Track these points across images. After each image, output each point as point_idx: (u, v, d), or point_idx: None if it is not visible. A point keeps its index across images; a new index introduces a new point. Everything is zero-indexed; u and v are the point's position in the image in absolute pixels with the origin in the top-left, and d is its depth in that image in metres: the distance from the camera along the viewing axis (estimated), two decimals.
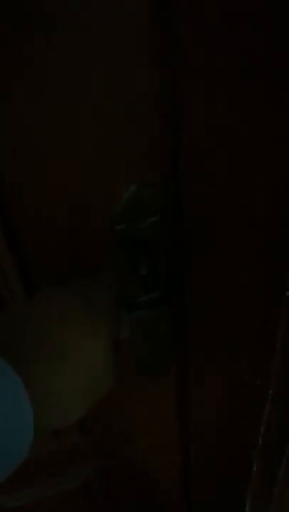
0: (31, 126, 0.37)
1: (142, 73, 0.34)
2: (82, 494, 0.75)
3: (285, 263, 0.38)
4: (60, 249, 0.45)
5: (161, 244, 0.39)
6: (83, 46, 0.34)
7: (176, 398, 0.56)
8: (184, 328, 0.48)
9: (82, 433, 0.64)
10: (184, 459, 0.65)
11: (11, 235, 0.43)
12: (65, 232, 0.44)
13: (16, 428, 0.27)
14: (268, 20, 0.29)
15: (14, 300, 0.47)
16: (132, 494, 0.77)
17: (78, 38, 0.34)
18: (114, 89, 0.35)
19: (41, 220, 0.43)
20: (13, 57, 0.35)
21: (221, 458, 0.61)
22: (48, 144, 0.38)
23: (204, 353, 0.50)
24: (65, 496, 0.73)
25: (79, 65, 0.35)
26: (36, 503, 0.71)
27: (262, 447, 0.47)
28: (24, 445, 0.28)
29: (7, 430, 0.26)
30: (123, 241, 0.38)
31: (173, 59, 0.33)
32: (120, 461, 0.70)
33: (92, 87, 0.35)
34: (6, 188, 0.41)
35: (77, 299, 0.35)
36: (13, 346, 0.30)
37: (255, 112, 0.33)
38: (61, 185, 0.40)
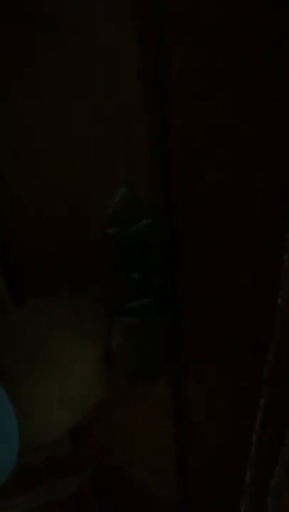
0: (31, 126, 0.37)
1: (142, 73, 0.34)
2: (75, 504, 0.74)
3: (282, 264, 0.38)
4: (60, 249, 0.45)
5: (155, 246, 0.39)
6: (83, 46, 0.34)
7: (173, 401, 0.56)
8: (180, 331, 0.48)
9: (75, 443, 0.64)
10: (181, 462, 0.65)
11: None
12: (65, 232, 0.44)
13: (1, 440, 0.27)
14: (267, 20, 0.29)
15: (1, 310, 0.46)
16: (127, 503, 0.77)
17: (78, 38, 0.34)
18: (114, 89, 0.35)
19: (41, 220, 0.43)
20: (13, 57, 0.35)
21: (220, 459, 0.61)
22: (48, 144, 0.38)
23: (199, 358, 0.50)
24: (56, 506, 0.73)
25: (79, 65, 0.35)
26: None
27: (255, 457, 0.47)
28: (9, 458, 0.28)
29: None
30: (114, 245, 0.38)
31: (173, 59, 0.33)
32: (116, 467, 0.69)
33: (92, 87, 0.35)
34: (6, 188, 0.41)
35: (65, 310, 0.35)
36: None
37: (255, 112, 0.33)
38: (61, 185, 0.40)
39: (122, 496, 0.77)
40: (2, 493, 0.65)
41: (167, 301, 0.44)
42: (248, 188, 0.37)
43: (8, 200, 0.43)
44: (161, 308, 0.42)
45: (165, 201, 0.39)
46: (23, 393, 0.29)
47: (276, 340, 0.37)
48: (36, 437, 0.30)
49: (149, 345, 0.44)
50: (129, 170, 0.38)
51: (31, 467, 0.64)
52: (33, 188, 0.41)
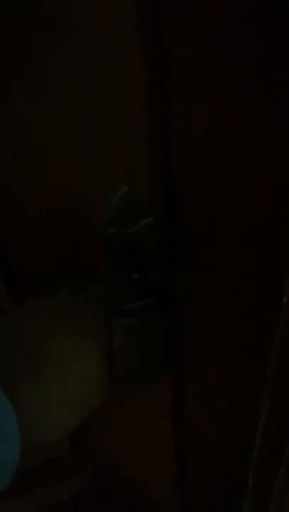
0: (31, 126, 0.37)
1: (142, 73, 0.34)
2: (75, 504, 0.74)
3: (284, 264, 0.38)
4: (60, 249, 0.45)
5: (155, 246, 0.39)
6: (83, 46, 0.34)
7: (173, 401, 0.56)
8: (180, 331, 0.48)
9: (75, 443, 0.63)
10: (181, 462, 0.65)
11: None
12: (65, 232, 0.44)
13: (1, 442, 0.27)
14: (267, 20, 0.29)
15: (1, 310, 0.46)
16: (126, 503, 0.77)
17: (78, 38, 0.34)
18: (114, 89, 0.35)
19: (41, 220, 0.43)
20: (13, 57, 0.35)
21: (219, 459, 0.61)
22: (48, 144, 0.38)
23: (199, 358, 0.50)
24: (56, 507, 0.73)
25: (79, 65, 0.35)
26: None
27: (257, 459, 0.47)
28: (11, 458, 0.28)
29: None
30: (114, 245, 0.38)
31: (173, 59, 0.33)
32: (116, 467, 0.69)
33: (92, 87, 0.35)
34: (6, 188, 0.41)
35: (65, 310, 0.35)
36: None
37: (255, 112, 0.33)
38: (61, 185, 0.40)
39: (121, 496, 0.77)
40: (2, 495, 0.65)
41: (167, 302, 0.44)
42: (248, 188, 0.37)
43: (8, 200, 0.43)
44: (161, 308, 0.42)
45: (165, 201, 0.39)
46: (23, 393, 0.29)
47: (279, 340, 0.37)
48: (36, 437, 0.30)
49: (149, 345, 0.44)
50: (129, 170, 0.38)
51: (31, 468, 0.64)
52: (33, 188, 0.41)
